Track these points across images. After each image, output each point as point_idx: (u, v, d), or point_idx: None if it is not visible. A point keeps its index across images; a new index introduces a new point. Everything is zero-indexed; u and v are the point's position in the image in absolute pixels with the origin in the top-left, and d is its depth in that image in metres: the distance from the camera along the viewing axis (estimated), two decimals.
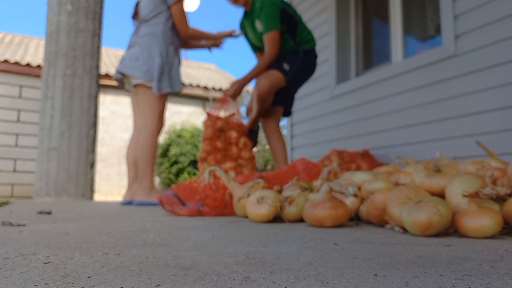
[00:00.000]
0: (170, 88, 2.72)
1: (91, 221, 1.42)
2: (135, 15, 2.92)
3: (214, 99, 9.27)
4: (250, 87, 9.33)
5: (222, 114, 3.08)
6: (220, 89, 9.65)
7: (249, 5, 2.81)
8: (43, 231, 1.09)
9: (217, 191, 1.77)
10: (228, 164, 2.89)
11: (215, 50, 3.03)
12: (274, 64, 2.76)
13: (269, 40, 2.68)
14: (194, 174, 8.54)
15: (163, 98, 2.78)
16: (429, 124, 2.73)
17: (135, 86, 2.79)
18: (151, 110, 2.73)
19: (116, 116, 8.82)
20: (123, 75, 2.81)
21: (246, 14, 2.88)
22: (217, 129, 2.96)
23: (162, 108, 2.79)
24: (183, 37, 2.85)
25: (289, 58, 2.76)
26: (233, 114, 3.05)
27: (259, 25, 2.76)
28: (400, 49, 3.27)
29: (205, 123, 3.22)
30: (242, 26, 2.99)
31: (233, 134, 2.98)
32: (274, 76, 2.70)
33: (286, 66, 2.72)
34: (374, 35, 3.77)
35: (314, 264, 0.64)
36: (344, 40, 3.80)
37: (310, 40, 2.84)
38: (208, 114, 3.00)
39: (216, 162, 2.90)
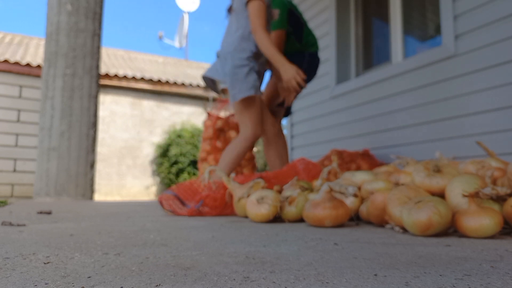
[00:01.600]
0: (246, 93, 2.36)
1: (91, 221, 1.42)
2: (230, 9, 2.70)
3: (214, 99, 9.27)
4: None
5: (222, 114, 3.08)
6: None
7: None
8: (43, 231, 1.09)
9: (217, 191, 1.77)
10: None
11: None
12: None
13: (274, 39, 2.68)
14: (194, 174, 8.54)
15: (249, 103, 2.38)
16: (429, 124, 2.73)
17: (223, 90, 2.56)
18: (240, 117, 2.46)
19: (116, 116, 8.82)
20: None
21: None
22: (217, 129, 2.96)
23: (250, 114, 2.40)
24: (254, 38, 2.44)
25: (296, 61, 2.76)
26: (233, 114, 3.05)
27: None
28: (400, 49, 3.27)
29: (205, 123, 3.22)
30: None
31: (233, 134, 2.98)
32: None
33: None
34: (374, 35, 3.77)
35: (314, 264, 0.64)
36: (344, 40, 3.80)
37: (314, 43, 2.86)
38: (209, 114, 3.00)
39: (216, 162, 2.90)
